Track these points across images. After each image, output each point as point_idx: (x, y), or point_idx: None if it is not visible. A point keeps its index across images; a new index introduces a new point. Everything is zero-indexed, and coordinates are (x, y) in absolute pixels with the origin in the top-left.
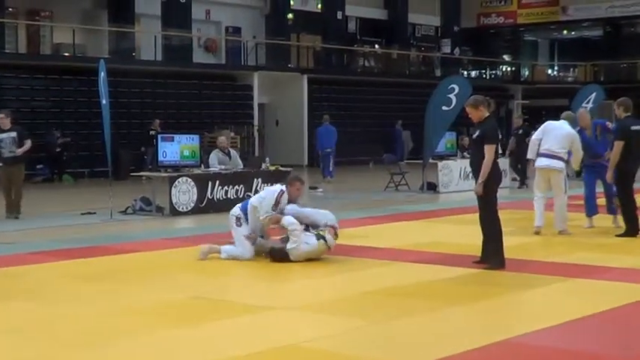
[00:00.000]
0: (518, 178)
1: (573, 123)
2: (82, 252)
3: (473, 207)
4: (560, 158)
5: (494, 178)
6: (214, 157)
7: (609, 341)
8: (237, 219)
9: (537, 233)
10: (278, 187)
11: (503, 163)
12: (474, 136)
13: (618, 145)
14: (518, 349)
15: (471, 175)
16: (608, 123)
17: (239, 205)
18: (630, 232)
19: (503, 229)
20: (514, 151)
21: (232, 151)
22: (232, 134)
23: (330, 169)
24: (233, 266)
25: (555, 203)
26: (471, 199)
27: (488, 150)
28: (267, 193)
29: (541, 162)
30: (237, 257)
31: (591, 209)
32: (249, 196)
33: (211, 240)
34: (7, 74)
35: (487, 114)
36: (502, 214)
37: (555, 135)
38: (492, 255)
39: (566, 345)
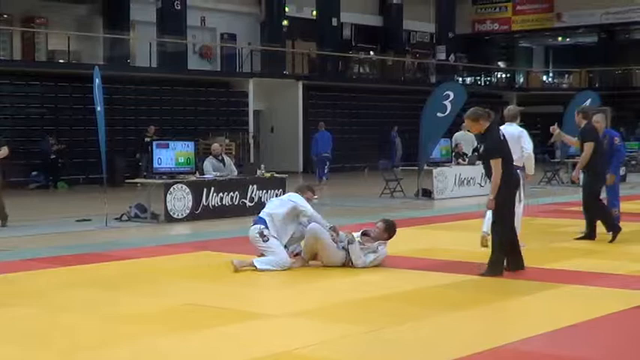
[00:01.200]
0: None
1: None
2: (78, 259)
3: (468, 214)
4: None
5: (507, 190)
6: (208, 164)
7: (602, 348)
8: (262, 235)
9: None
10: (295, 194)
11: None
12: (480, 151)
13: (589, 147)
14: (512, 356)
15: (465, 181)
16: (616, 138)
17: (253, 225)
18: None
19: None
20: None
21: (226, 158)
22: (227, 141)
23: (325, 172)
24: (229, 273)
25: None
26: (466, 205)
27: (495, 165)
28: (295, 198)
29: None
30: (274, 266)
31: None
32: (244, 203)
33: (207, 246)
34: (2, 81)
35: (487, 124)
36: None
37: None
38: (492, 264)
39: (559, 351)
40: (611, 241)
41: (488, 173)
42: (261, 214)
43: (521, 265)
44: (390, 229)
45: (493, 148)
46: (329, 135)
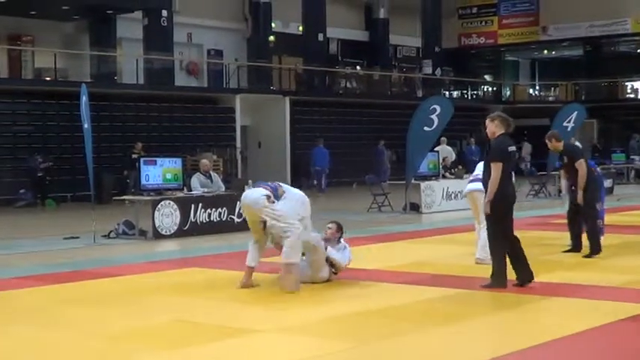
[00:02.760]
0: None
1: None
2: (66, 276)
3: (456, 227)
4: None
5: (501, 197)
6: (196, 180)
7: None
8: (269, 197)
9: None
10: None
11: None
12: (486, 154)
13: (584, 165)
14: None
15: (453, 195)
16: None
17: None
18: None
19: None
20: None
21: (214, 174)
22: (215, 157)
23: (323, 186)
24: (218, 288)
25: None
26: (454, 219)
27: (495, 168)
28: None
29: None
30: (300, 247)
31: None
32: (232, 219)
33: (195, 263)
34: None
35: (501, 131)
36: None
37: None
38: (493, 276)
39: None
40: (585, 256)
41: (484, 178)
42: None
43: (528, 277)
44: (340, 227)
45: (496, 150)
46: (326, 151)
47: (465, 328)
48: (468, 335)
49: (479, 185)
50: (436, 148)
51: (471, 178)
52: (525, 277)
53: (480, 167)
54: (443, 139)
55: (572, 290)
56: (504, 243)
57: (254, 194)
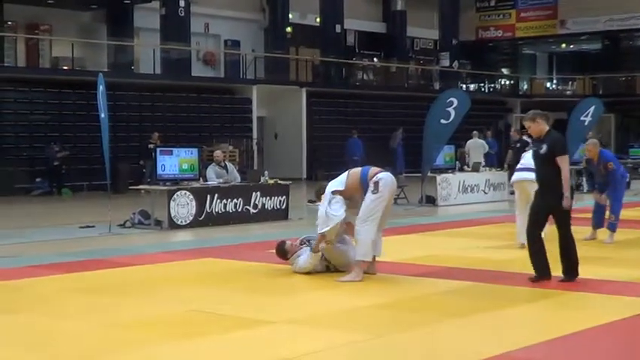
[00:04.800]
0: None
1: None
2: (81, 265)
3: (472, 220)
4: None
5: (544, 196)
6: (211, 170)
7: (605, 356)
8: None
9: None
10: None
11: (502, 175)
12: (541, 151)
13: (566, 161)
14: None
15: (469, 188)
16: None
17: None
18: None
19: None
20: (512, 164)
21: (229, 165)
22: (231, 148)
23: None
24: (233, 279)
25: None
26: (469, 212)
27: (564, 161)
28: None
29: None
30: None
31: (598, 222)
32: (248, 210)
33: (210, 253)
34: (6, 87)
35: (547, 127)
36: (500, 228)
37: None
38: (571, 269)
39: (566, 358)
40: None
41: (545, 175)
42: None
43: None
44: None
45: (562, 143)
46: (359, 142)
47: (480, 321)
48: (481, 328)
49: (531, 175)
50: (469, 142)
51: (520, 167)
52: (575, 268)
53: (528, 157)
54: (474, 132)
55: (591, 285)
56: (572, 237)
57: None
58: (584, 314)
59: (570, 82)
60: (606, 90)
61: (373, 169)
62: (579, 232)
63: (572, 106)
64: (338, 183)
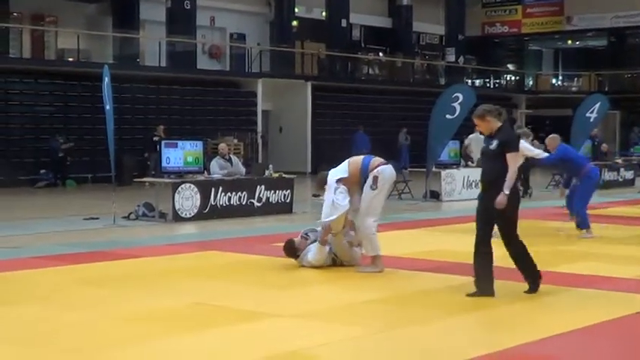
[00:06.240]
0: (521, 188)
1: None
2: (85, 257)
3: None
4: None
5: (516, 190)
6: (215, 164)
7: (607, 352)
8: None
9: None
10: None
11: None
12: (491, 147)
13: (516, 158)
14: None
15: (474, 183)
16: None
17: None
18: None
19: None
20: None
21: (233, 158)
22: (236, 141)
23: None
24: (237, 272)
25: None
26: (474, 207)
27: (513, 159)
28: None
29: None
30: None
31: (570, 209)
32: (252, 203)
33: (214, 246)
34: (12, 79)
35: (499, 124)
36: None
37: None
38: (532, 278)
39: (566, 355)
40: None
41: (490, 172)
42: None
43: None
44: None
45: (511, 140)
46: (366, 137)
47: (480, 317)
48: (482, 324)
49: None
50: (470, 136)
51: None
52: (537, 275)
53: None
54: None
55: (592, 281)
56: (521, 243)
57: None
58: (584, 311)
59: (576, 79)
60: (612, 87)
61: (375, 161)
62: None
63: (577, 102)
64: (341, 171)
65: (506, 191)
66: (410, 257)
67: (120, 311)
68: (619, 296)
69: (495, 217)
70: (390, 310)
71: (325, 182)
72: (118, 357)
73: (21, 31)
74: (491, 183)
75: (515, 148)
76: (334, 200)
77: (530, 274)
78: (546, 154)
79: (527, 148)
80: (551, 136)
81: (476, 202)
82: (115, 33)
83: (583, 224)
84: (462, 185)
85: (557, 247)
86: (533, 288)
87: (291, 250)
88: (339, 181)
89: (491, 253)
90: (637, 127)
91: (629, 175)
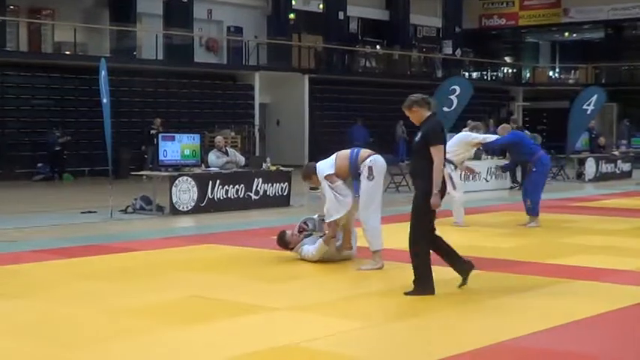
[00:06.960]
0: (518, 181)
1: None
2: (82, 250)
3: (471, 209)
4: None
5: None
6: (213, 156)
7: (606, 344)
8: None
9: None
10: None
11: (503, 163)
12: (416, 139)
13: (440, 151)
14: (515, 351)
15: (470, 176)
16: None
17: None
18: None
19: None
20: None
21: (230, 150)
22: (233, 134)
23: None
24: (234, 265)
25: None
26: (470, 200)
27: (437, 152)
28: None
29: None
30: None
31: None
32: (249, 196)
33: (212, 239)
34: (8, 72)
35: (427, 113)
36: (501, 216)
37: None
38: (421, 280)
39: (563, 347)
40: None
41: (417, 166)
42: None
43: (469, 267)
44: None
45: (435, 132)
46: (364, 129)
47: (478, 309)
48: (483, 316)
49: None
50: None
51: None
52: (467, 267)
53: None
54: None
55: (593, 273)
56: (427, 244)
57: None
58: (589, 303)
59: (573, 71)
60: (609, 79)
61: (363, 153)
62: (583, 221)
63: (574, 94)
64: (328, 166)
65: (435, 190)
66: (406, 250)
67: (117, 304)
68: (618, 288)
69: (411, 213)
70: (388, 302)
71: (310, 175)
72: (115, 349)
73: (18, 24)
74: (416, 177)
75: (438, 140)
76: (337, 197)
77: (457, 264)
78: (496, 136)
79: (474, 135)
80: (502, 125)
81: (472, 195)
82: (112, 26)
83: (533, 211)
84: (459, 177)
85: (556, 239)
86: (464, 277)
87: (283, 242)
88: (327, 177)
89: (429, 252)
90: (627, 120)
91: (626, 167)
